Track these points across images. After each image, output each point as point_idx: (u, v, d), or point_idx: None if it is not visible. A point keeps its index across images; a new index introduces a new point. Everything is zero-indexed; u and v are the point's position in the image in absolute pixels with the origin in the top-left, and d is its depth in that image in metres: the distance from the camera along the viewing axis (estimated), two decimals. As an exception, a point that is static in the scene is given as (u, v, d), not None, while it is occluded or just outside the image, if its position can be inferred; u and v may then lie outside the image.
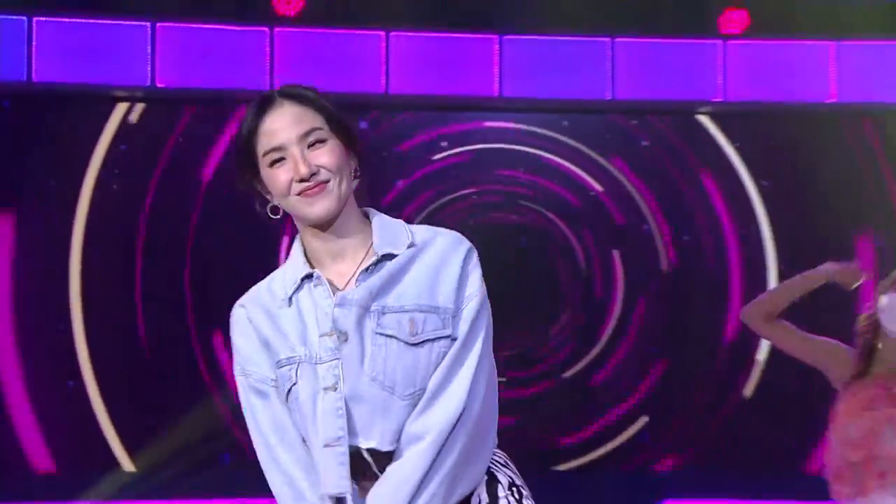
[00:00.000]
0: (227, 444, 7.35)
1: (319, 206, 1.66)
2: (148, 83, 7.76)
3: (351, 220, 1.76)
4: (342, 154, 1.70)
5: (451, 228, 1.95)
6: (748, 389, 8.60)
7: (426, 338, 1.65)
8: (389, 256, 1.70)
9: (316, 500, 1.65)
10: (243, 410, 1.81)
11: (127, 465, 7.79)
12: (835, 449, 3.70)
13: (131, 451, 7.74)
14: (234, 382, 1.90)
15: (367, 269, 1.69)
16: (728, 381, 8.54)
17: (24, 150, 7.69)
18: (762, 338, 5.34)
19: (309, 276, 1.69)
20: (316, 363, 1.63)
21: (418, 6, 8.23)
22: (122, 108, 7.82)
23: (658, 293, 8.53)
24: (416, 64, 8.17)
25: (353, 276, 1.71)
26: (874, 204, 8.39)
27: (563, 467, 8.72)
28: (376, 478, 1.61)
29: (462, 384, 1.63)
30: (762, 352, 8.22)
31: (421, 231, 1.82)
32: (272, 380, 1.74)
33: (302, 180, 1.63)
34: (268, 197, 1.78)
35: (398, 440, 1.61)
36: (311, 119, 1.69)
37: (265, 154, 1.67)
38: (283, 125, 1.67)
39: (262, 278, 1.89)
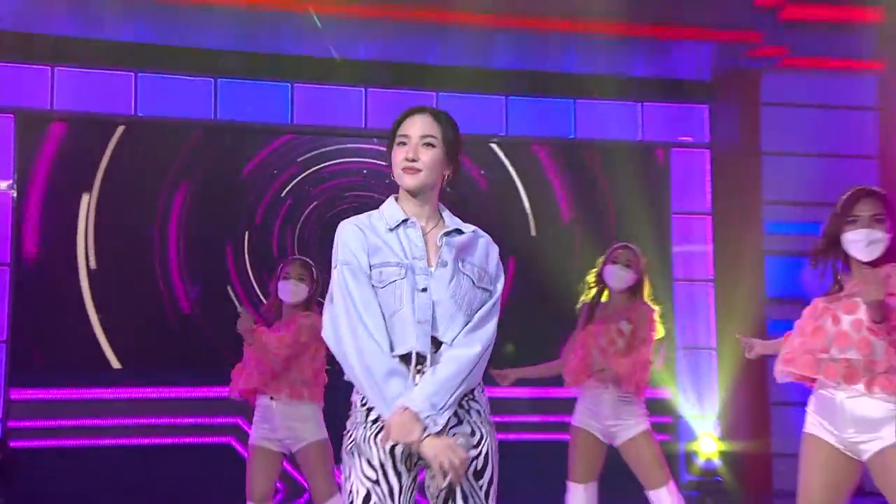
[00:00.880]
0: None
1: (409, 180, 2.40)
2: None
3: (429, 200, 2.51)
4: (440, 160, 2.44)
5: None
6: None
7: (482, 286, 2.45)
8: (458, 231, 2.48)
9: (389, 354, 2.32)
10: (335, 291, 2.44)
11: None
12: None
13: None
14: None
15: (447, 233, 2.46)
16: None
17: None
18: None
19: (405, 221, 2.44)
20: (415, 273, 2.34)
21: (380, 69, 9.24)
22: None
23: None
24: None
25: (431, 232, 2.51)
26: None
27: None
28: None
29: (493, 323, 2.44)
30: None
31: (471, 226, 2.62)
32: (367, 271, 2.38)
33: (406, 160, 2.39)
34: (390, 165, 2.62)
35: (452, 342, 2.36)
36: (432, 129, 2.43)
37: (397, 137, 2.47)
38: (414, 124, 2.44)
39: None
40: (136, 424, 8.12)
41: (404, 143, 2.54)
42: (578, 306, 5.83)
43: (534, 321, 8.39)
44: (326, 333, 2.55)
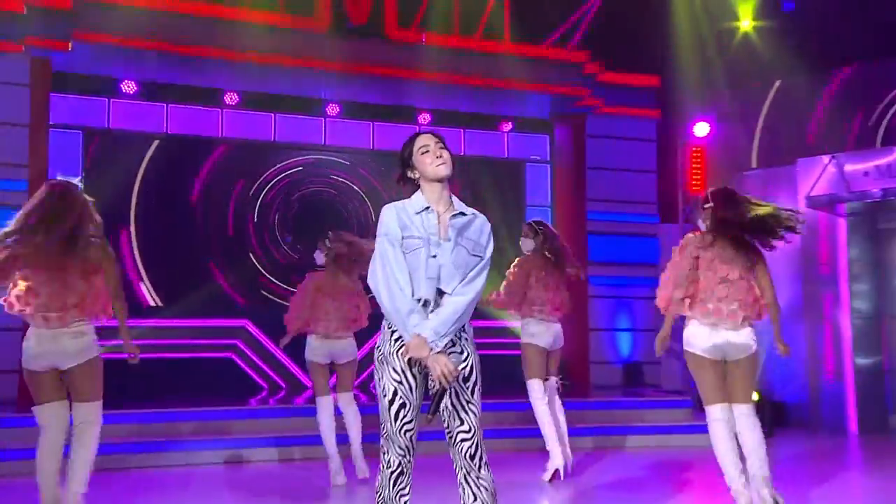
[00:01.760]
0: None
1: (444, 170, 3.14)
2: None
3: (446, 188, 3.27)
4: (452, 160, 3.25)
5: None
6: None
7: (475, 254, 3.19)
8: (462, 214, 3.22)
9: (413, 299, 3.10)
10: (377, 253, 3.26)
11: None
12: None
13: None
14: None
15: (454, 215, 3.21)
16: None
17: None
18: None
19: (427, 208, 3.18)
20: (430, 245, 3.11)
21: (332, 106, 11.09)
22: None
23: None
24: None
25: (443, 215, 3.21)
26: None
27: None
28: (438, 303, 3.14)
29: (481, 278, 3.20)
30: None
31: (471, 209, 3.39)
32: (400, 240, 3.14)
33: (437, 157, 3.15)
34: (410, 173, 3.39)
35: (451, 291, 3.12)
36: (439, 140, 3.24)
37: (417, 150, 3.22)
38: (427, 138, 3.26)
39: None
40: (160, 344, 9.23)
41: (427, 151, 3.31)
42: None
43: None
44: (371, 281, 3.32)
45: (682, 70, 11.95)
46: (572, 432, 7.32)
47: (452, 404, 3.32)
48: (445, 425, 3.38)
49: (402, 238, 3.18)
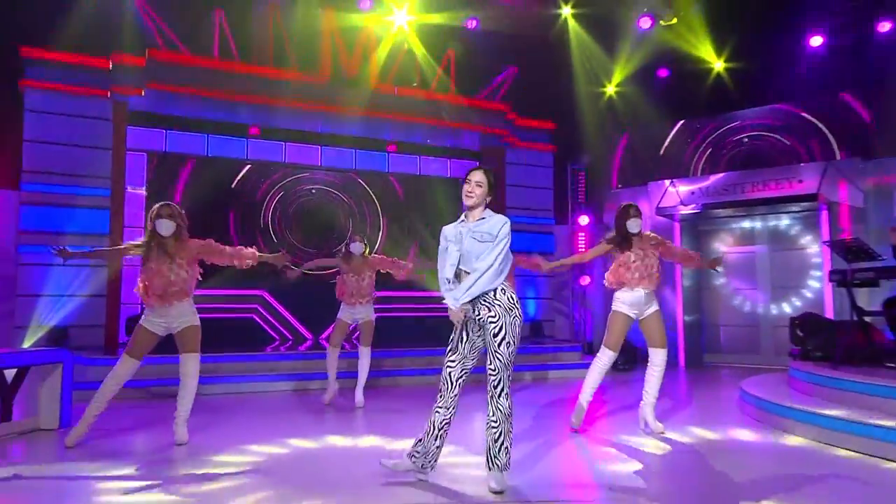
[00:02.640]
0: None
1: (468, 202, 3.95)
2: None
3: (479, 209, 3.96)
4: (484, 192, 3.95)
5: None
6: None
7: (484, 241, 3.86)
8: (483, 219, 3.94)
9: (452, 276, 3.93)
10: (441, 250, 4.05)
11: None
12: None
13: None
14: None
15: (477, 221, 3.95)
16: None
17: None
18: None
19: (462, 222, 3.99)
20: (455, 243, 3.95)
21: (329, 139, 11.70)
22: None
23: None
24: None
25: (470, 225, 3.92)
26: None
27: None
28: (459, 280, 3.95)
29: (491, 256, 3.85)
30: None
31: (490, 212, 3.98)
32: (449, 241, 3.98)
33: (468, 193, 3.95)
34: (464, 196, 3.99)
35: (471, 269, 3.87)
36: (481, 178, 3.97)
37: (464, 181, 3.99)
38: (469, 175, 4.00)
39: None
40: (204, 307, 9.57)
41: (469, 181, 3.98)
42: None
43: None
44: (440, 260, 4.05)
45: (571, 118, 12.91)
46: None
47: (486, 352, 3.98)
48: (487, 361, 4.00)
49: (449, 242, 4.04)
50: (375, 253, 9.25)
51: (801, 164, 11.23)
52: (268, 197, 11.79)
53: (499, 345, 3.78)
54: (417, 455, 4.01)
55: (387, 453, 4.82)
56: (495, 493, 3.81)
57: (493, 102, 12.44)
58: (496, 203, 4.14)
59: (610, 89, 13.36)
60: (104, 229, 9.74)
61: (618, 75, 13.18)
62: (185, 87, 10.07)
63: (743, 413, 6.88)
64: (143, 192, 10.53)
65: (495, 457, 3.86)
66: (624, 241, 5.67)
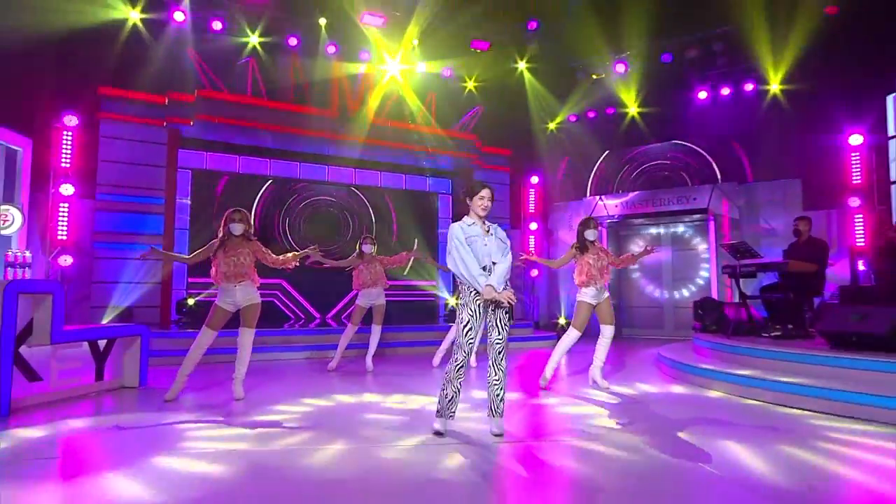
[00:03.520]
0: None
1: (483, 213, 3.93)
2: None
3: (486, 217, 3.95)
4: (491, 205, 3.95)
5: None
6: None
7: (503, 242, 3.94)
8: (491, 228, 3.94)
9: (479, 267, 3.77)
10: (453, 249, 3.82)
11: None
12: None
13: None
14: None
15: (488, 228, 3.94)
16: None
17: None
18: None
19: (474, 224, 3.89)
20: (482, 243, 3.83)
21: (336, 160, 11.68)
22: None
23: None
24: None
25: (482, 226, 3.90)
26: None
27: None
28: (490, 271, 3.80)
29: (510, 255, 3.93)
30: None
31: (488, 222, 4.00)
32: (464, 240, 3.76)
33: (484, 207, 3.93)
34: (468, 201, 3.97)
35: (497, 261, 3.82)
36: (490, 195, 3.95)
37: (480, 196, 3.92)
38: (487, 192, 3.95)
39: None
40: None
41: (482, 199, 3.90)
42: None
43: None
44: (450, 264, 3.87)
45: (524, 146, 13.36)
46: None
47: (495, 324, 3.90)
48: (489, 334, 3.91)
49: (466, 238, 3.87)
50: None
51: (695, 186, 11.76)
52: (286, 206, 11.90)
53: (507, 320, 3.87)
54: (448, 411, 3.96)
55: (392, 404, 5.03)
56: (497, 435, 3.85)
57: (463, 133, 12.53)
58: (466, 211, 4.07)
59: (553, 125, 13.50)
60: (159, 230, 9.93)
61: (560, 115, 13.34)
62: (224, 118, 10.23)
63: (661, 371, 7.06)
64: (188, 201, 10.70)
65: (497, 407, 3.89)
66: (583, 246, 5.73)
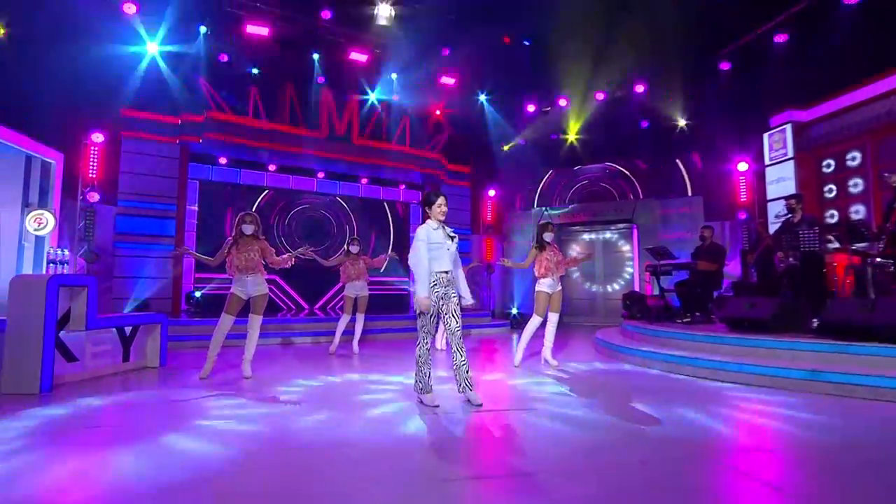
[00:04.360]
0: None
1: (443, 218, 3.70)
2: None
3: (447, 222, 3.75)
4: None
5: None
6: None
7: (458, 250, 3.77)
8: (450, 228, 3.74)
9: (433, 271, 3.61)
10: (416, 249, 3.56)
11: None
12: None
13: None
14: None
15: (451, 234, 3.72)
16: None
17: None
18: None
19: (437, 228, 3.67)
20: (447, 248, 3.64)
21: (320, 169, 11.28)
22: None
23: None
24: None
25: (445, 230, 3.66)
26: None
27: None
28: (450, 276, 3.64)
29: (459, 260, 3.82)
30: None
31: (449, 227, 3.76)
32: (428, 244, 3.54)
33: (443, 213, 3.70)
34: (427, 209, 3.71)
35: (455, 267, 3.73)
36: (446, 202, 3.70)
37: (440, 203, 3.69)
38: (443, 200, 3.72)
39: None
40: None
41: (441, 207, 3.70)
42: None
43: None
44: (411, 262, 3.64)
45: (482, 165, 13.34)
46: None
47: (452, 314, 3.76)
48: (448, 324, 3.79)
49: (430, 242, 3.67)
50: None
51: (621, 200, 12.07)
52: (280, 212, 11.79)
53: (459, 310, 3.79)
54: (427, 386, 3.86)
55: (379, 380, 4.93)
56: (478, 405, 3.73)
57: (432, 153, 12.51)
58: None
59: (507, 147, 13.44)
60: (171, 232, 9.73)
61: (513, 139, 13.32)
62: (228, 137, 10.12)
63: (597, 352, 7.05)
64: (195, 208, 10.53)
65: (467, 382, 3.78)
66: (541, 245, 5.67)
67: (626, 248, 12.40)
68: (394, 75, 11.78)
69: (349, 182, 12.38)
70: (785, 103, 9.38)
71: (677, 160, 11.69)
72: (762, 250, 6.65)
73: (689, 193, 11.59)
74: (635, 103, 11.93)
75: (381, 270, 12.22)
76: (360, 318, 7.09)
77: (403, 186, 13.05)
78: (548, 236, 5.69)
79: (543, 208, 12.74)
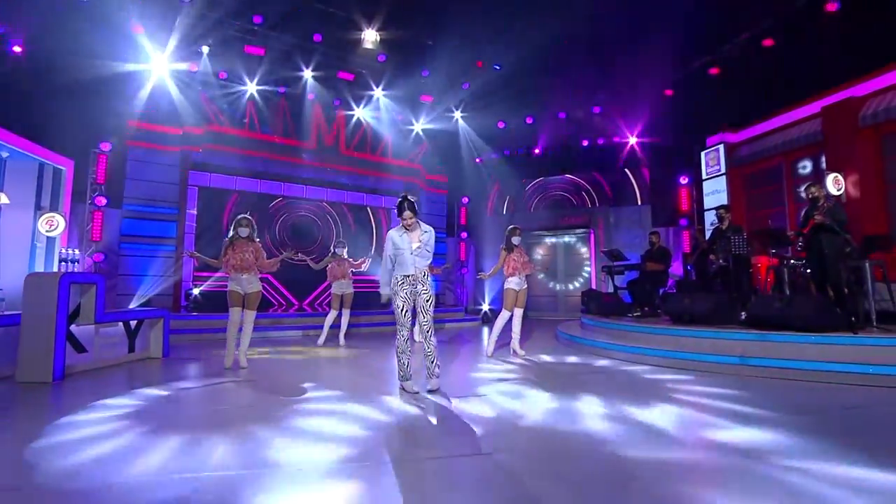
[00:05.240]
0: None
1: (407, 225, 3.62)
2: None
3: (418, 223, 3.67)
4: (415, 216, 3.62)
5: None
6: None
7: (426, 251, 3.66)
8: (425, 232, 3.64)
9: (397, 274, 3.56)
10: (384, 253, 3.65)
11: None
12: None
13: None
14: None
15: (421, 234, 3.63)
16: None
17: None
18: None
19: (402, 234, 3.63)
20: (410, 252, 3.61)
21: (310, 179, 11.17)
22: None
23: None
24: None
25: (413, 235, 3.61)
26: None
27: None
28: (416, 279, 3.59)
29: (428, 261, 3.67)
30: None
31: (427, 226, 3.68)
32: (394, 250, 3.57)
33: (408, 218, 3.61)
34: (399, 216, 3.62)
35: (420, 267, 3.60)
36: (412, 209, 3.59)
37: (401, 214, 3.63)
38: (408, 212, 3.60)
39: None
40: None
41: (405, 218, 3.65)
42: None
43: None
44: (383, 262, 3.72)
45: (458, 175, 13.23)
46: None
47: (421, 309, 3.75)
48: (418, 318, 3.82)
49: (395, 247, 3.68)
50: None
51: (581, 208, 12.24)
52: (272, 216, 11.50)
53: (430, 307, 3.75)
54: (407, 374, 3.85)
55: (359, 367, 5.00)
56: (434, 391, 3.75)
57: (412, 163, 12.53)
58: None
59: (479, 160, 13.33)
60: (173, 234, 9.63)
61: (485, 152, 13.24)
62: (226, 147, 10.04)
63: (559, 343, 7.07)
64: (194, 212, 10.32)
65: (433, 371, 3.79)
66: (510, 247, 5.67)
67: (584, 250, 12.53)
68: (378, 93, 11.73)
69: (336, 189, 12.16)
70: (719, 126, 9.71)
71: (629, 173, 11.88)
72: (699, 253, 6.81)
73: (639, 202, 11.81)
74: (593, 122, 12.11)
75: (365, 270, 12.15)
76: (346, 313, 6.99)
77: (385, 193, 12.90)
78: (516, 239, 5.68)
79: (511, 215, 12.82)
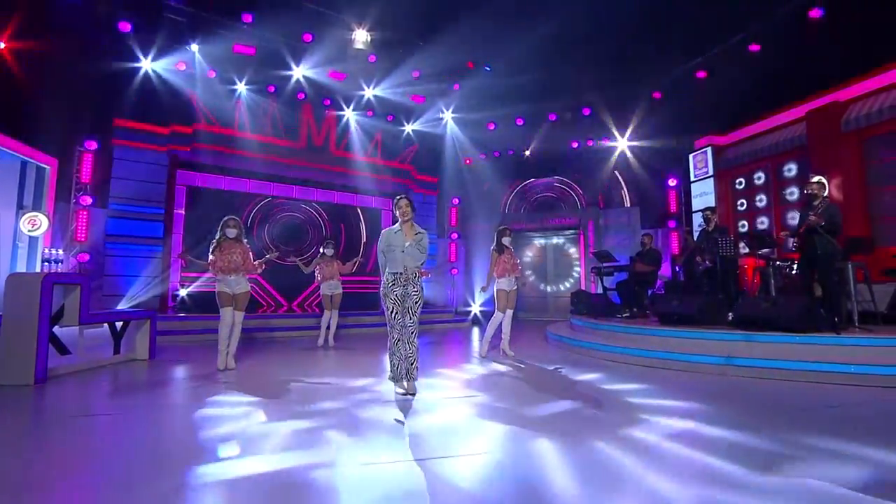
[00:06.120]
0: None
1: (403, 217, 3.60)
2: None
3: (412, 224, 3.63)
4: (412, 212, 3.63)
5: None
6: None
7: (420, 251, 3.63)
8: (418, 233, 3.62)
9: (388, 272, 3.55)
10: (379, 252, 3.63)
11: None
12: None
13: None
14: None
15: (416, 234, 3.61)
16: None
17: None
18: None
19: (398, 231, 3.57)
20: (403, 251, 3.55)
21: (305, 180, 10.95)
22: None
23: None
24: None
25: (408, 233, 3.57)
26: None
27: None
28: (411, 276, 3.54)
29: (422, 262, 3.63)
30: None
31: (420, 227, 3.65)
32: (386, 247, 3.55)
33: (403, 214, 3.62)
34: (395, 211, 3.65)
35: (414, 266, 3.56)
36: (409, 203, 3.61)
37: (397, 202, 3.64)
38: (403, 202, 3.65)
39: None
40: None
41: (400, 207, 3.64)
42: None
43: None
44: (379, 257, 3.71)
45: (448, 175, 13.22)
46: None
47: (407, 311, 3.71)
48: (403, 319, 3.73)
49: (389, 244, 3.68)
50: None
51: (570, 210, 12.32)
52: (261, 217, 11.37)
53: (418, 309, 3.74)
54: (399, 374, 3.83)
55: (347, 368, 4.99)
56: (411, 393, 3.71)
57: (402, 164, 12.48)
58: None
59: (470, 161, 13.42)
60: (160, 234, 9.49)
61: (474, 153, 13.23)
62: (214, 146, 9.93)
63: (549, 344, 7.13)
64: (182, 212, 10.19)
65: (412, 374, 3.75)
66: (500, 249, 5.68)
67: (573, 251, 12.65)
68: (368, 93, 11.70)
69: (325, 189, 12.08)
70: (707, 130, 9.80)
71: (618, 175, 11.98)
72: (687, 255, 6.88)
73: (628, 204, 11.93)
74: (582, 124, 12.20)
75: (353, 271, 12.12)
76: (335, 313, 7.00)
77: (375, 194, 12.85)
78: (506, 241, 5.70)
79: (502, 214, 12.89)
